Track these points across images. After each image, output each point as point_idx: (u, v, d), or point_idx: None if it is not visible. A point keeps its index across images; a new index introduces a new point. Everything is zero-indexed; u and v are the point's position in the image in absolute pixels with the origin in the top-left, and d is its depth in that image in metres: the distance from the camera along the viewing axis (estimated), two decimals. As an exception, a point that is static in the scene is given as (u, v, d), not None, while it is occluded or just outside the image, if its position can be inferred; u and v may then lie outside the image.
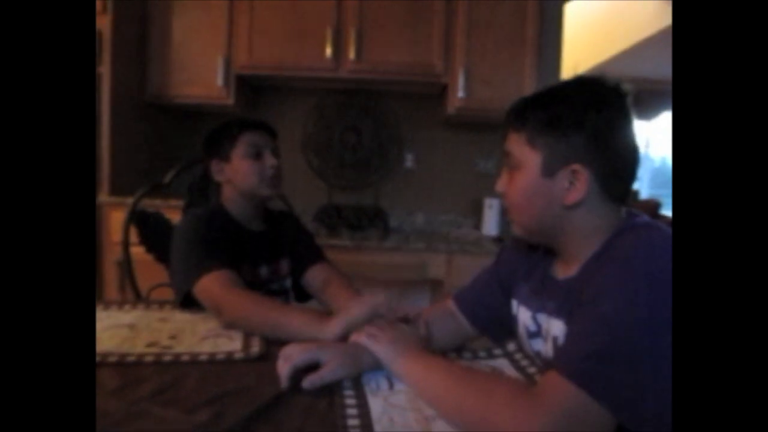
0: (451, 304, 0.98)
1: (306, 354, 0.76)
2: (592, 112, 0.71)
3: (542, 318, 0.80)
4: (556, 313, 0.76)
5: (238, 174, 1.24)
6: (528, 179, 0.75)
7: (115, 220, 2.15)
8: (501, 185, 0.80)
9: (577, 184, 0.72)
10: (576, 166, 0.71)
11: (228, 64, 2.40)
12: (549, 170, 0.73)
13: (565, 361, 0.60)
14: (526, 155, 0.75)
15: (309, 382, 0.72)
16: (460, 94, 2.35)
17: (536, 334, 0.81)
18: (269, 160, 1.24)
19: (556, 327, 0.75)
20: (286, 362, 0.75)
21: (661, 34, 3.56)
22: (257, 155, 1.24)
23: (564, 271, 0.79)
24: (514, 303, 0.88)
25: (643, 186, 6.43)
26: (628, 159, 0.74)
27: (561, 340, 0.73)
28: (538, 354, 0.82)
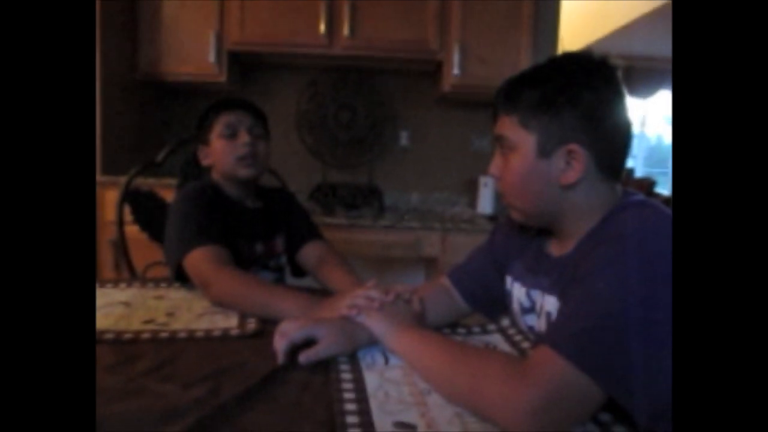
0: (445, 281, 0.99)
1: (302, 330, 0.76)
2: (585, 89, 0.70)
3: (536, 294, 0.80)
4: (550, 289, 0.76)
5: (215, 155, 1.24)
6: (524, 161, 0.74)
7: (108, 199, 2.14)
8: (495, 169, 0.79)
9: (574, 163, 0.71)
10: (572, 146, 0.71)
11: (220, 40, 2.37)
12: (545, 151, 0.72)
13: (556, 336, 0.61)
14: (521, 137, 0.74)
15: (305, 357, 0.73)
16: (455, 71, 2.33)
17: (530, 310, 0.82)
18: (242, 138, 1.21)
19: (550, 303, 0.76)
20: (282, 338, 0.75)
21: (655, 11, 3.53)
22: (232, 135, 1.22)
23: (559, 248, 0.80)
24: (509, 279, 0.89)
25: (638, 164, 6.45)
26: (622, 135, 0.73)
27: (554, 315, 0.73)
28: (531, 329, 0.83)
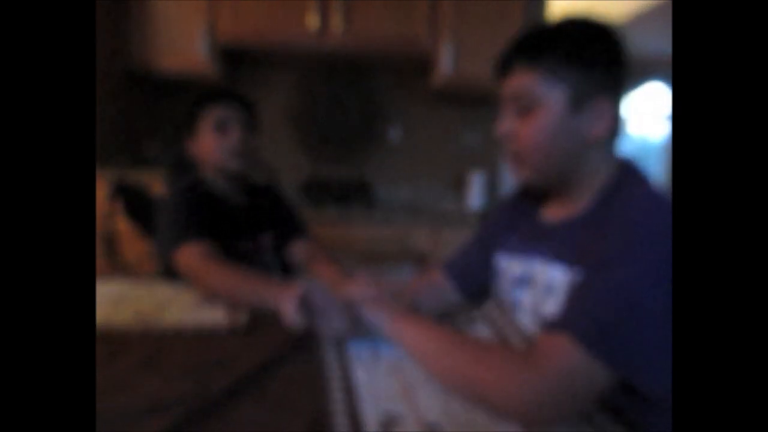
0: (438, 275, 0.99)
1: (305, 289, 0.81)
2: (608, 44, 0.71)
3: (536, 265, 0.78)
4: (555, 258, 0.74)
5: (205, 149, 1.23)
6: (551, 116, 0.71)
7: (97, 191, 2.12)
8: (506, 129, 0.76)
9: (602, 119, 0.71)
10: (602, 100, 0.70)
11: (210, 34, 2.35)
12: (575, 106, 0.71)
13: (580, 325, 0.58)
14: (548, 92, 0.71)
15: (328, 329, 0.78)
16: (447, 67, 2.34)
17: (523, 282, 0.81)
18: (234, 133, 1.21)
19: (555, 273, 0.73)
20: (291, 299, 0.80)
21: (643, 12, 3.55)
22: (223, 129, 1.21)
23: (558, 213, 0.79)
24: (499, 256, 0.88)
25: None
26: (626, 97, 0.74)
27: (559, 286, 0.72)
28: (519, 304, 0.81)
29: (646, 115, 5.50)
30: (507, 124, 0.76)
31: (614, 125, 0.73)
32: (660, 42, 3.87)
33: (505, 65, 0.76)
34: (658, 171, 4.87)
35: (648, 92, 5.22)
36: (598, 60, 0.70)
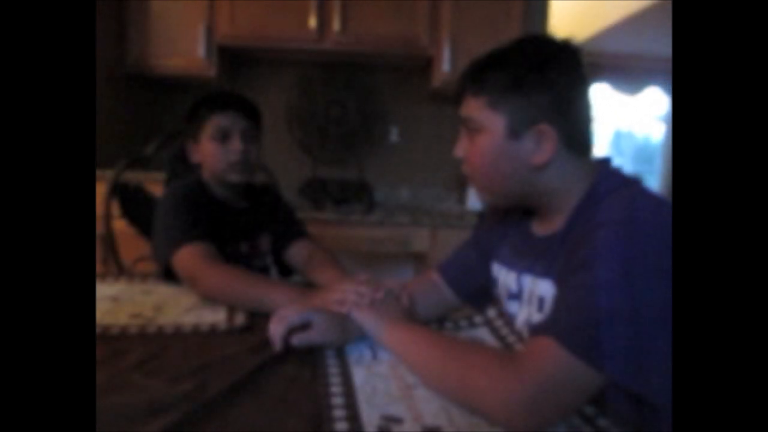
0: (434, 275, 0.99)
1: (300, 314, 0.78)
2: (552, 70, 0.71)
3: (527, 279, 0.79)
4: (543, 272, 0.75)
5: (205, 156, 1.21)
6: (492, 143, 0.74)
7: (96, 192, 2.12)
8: (460, 150, 0.79)
9: (544, 144, 0.71)
10: (542, 126, 0.71)
11: (209, 34, 2.35)
12: (514, 132, 0.72)
13: (556, 326, 0.59)
14: (488, 119, 0.73)
15: (298, 339, 0.75)
16: (446, 67, 2.34)
17: (515, 296, 0.82)
18: (236, 144, 1.18)
19: (543, 287, 0.74)
20: (279, 323, 0.77)
21: (644, 11, 3.55)
22: (225, 138, 1.19)
23: (544, 227, 0.79)
24: (495, 265, 0.88)
25: (627, 162, 6.50)
26: (588, 111, 0.74)
27: (548, 300, 0.73)
28: (513, 317, 0.83)
29: (646, 115, 5.51)
30: (459, 146, 0.79)
31: (572, 144, 0.73)
32: (660, 42, 3.87)
33: (459, 90, 0.78)
34: (659, 171, 4.87)
35: (648, 93, 5.22)
36: (538, 88, 0.70)
